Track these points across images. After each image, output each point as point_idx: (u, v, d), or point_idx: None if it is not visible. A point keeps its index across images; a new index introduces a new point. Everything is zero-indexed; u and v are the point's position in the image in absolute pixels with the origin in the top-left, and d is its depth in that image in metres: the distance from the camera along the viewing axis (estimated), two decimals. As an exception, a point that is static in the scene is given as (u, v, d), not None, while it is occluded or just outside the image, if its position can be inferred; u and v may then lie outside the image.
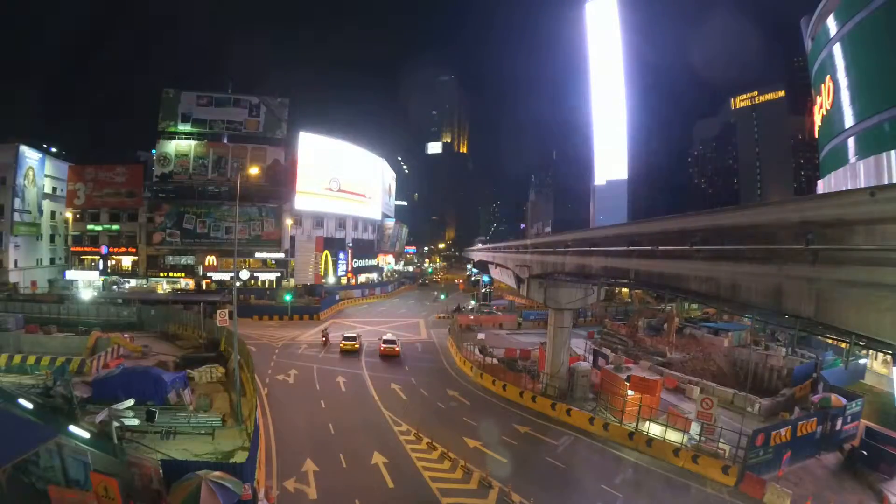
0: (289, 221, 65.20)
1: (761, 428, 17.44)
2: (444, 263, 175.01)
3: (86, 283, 57.37)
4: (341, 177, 72.60)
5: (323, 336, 38.85)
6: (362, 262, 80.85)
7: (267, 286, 63.92)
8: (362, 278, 79.90)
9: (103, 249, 62.36)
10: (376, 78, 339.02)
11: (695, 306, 45.83)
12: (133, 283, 62.53)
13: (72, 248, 63.12)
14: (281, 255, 65.82)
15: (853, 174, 31.61)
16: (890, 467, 17.05)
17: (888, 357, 24.15)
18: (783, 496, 15.21)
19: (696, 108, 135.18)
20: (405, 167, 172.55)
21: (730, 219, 11.57)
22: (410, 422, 21.58)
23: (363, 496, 15.22)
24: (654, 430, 19.66)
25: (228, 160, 64.68)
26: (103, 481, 11.36)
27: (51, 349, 27.80)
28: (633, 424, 20.03)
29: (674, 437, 19.03)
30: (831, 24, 33.83)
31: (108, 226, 63.48)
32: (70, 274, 60.72)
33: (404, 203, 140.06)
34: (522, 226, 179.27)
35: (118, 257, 63.68)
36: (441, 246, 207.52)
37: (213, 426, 18.30)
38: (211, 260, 63.52)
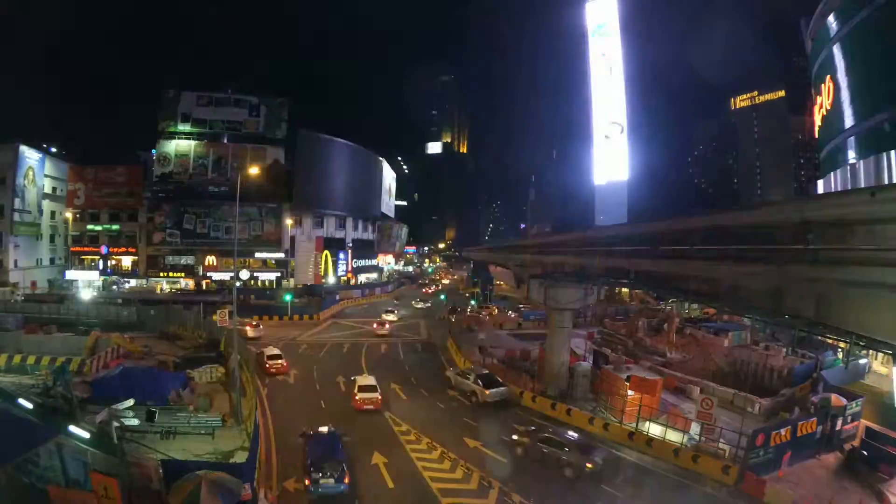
0: (289, 221, 65.21)
1: (761, 428, 17.43)
2: (444, 263, 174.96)
3: (86, 283, 57.47)
4: (341, 176, 72.58)
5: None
6: (362, 262, 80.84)
7: (267, 286, 63.93)
8: (362, 278, 79.89)
9: (103, 249, 62.42)
10: (376, 78, 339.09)
11: (695, 306, 45.79)
12: (133, 283, 62.61)
13: (72, 248, 63.18)
14: (281, 255, 65.84)
15: (853, 174, 31.62)
16: (890, 467, 17.03)
17: (889, 357, 24.15)
18: (783, 496, 15.21)
19: (696, 108, 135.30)
20: (405, 167, 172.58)
21: (730, 219, 11.59)
22: (410, 422, 21.59)
23: (363, 496, 15.21)
24: (655, 430, 19.64)
25: (228, 160, 64.70)
26: (103, 481, 11.37)
27: (51, 349, 27.81)
28: (633, 424, 20.01)
29: (674, 437, 19.01)
30: (831, 24, 33.84)
31: (108, 226, 63.54)
32: (70, 274, 60.80)
33: (404, 203, 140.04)
34: (522, 226, 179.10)
35: (118, 257, 63.74)
36: (441, 246, 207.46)
37: (213, 426, 18.30)
38: (211, 260, 63.55)
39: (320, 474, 14.72)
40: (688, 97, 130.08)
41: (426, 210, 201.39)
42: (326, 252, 70.33)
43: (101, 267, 62.27)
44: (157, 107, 64.71)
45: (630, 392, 21.37)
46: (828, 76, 34.65)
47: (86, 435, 13.01)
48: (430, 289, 72.77)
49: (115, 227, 63.62)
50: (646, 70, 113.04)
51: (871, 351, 23.11)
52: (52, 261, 63.63)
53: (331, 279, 70.29)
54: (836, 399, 20.12)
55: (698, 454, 17.76)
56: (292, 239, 66.48)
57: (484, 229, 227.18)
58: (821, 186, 38.43)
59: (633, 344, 35.62)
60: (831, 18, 33.79)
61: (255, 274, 65.10)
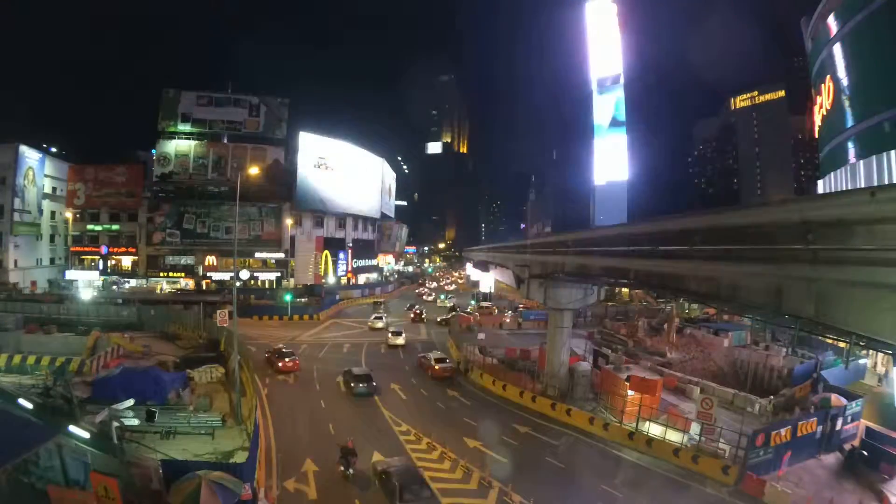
0: (289, 221, 65.20)
1: (761, 428, 17.43)
2: (445, 263, 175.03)
3: (86, 283, 57.40)
4: (341, 177, 72.59)
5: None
6: (362, 262, 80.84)
7: (267, 286, 63.93)
8: (362, 278, 79.90)
9: (103, 249, 62.43)
10: (376, 78, 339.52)
11: (695, 306, 45.83)
12: (133, 283, 62.58)
13: (72, 248, 63.18)
14: (281, 255, 65.83)
15: (853, 174, 31.64)
16: (890, 467, 17.04)
17: (889, 357, 24.16)
18: (783, 496, 15.21)
19: (696, 108, 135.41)
20: (405, 167, 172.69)
21: (730, 219, 11.57)
22: (410, 422, 21.59)
23: (363, 496, 15.20)
24: (654, 430, 19.63)
25: (228, 160, 64.74)
26: (103, 481, 11.36)
27: (51, 349, 27.77)
28: (633, 424, 20.01)
29: (674, 437, 19.00)
30: (831, 24, 33.84)
31: (108, 226, 63.54)
32: (70, 274, 60.78)
33: (404, 203, 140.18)
34: (522, 226, 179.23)
35: (118, 257, 63.73)
36: (441, 246, 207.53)
37: (213, 426, 18.29)
38: (211, 260, 63.54)
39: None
40: (688, 97, 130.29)
41: (426, 210, 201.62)
42: (326, 252, 70.32)
43: (101, 267, 62.25)
44: (157, 107, 64.73)
45: (630, 392, 21.37)
46: (828, 76, 34.66)
47: (86, 435, 13.01)
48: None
49: (115, 227, 63.61)
50: (646, 70, 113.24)
51: (870, 351, 23.14)
52: (52, 261, 63.61)
53: (331, 279, 70.28)
54: (836, 399, 20.14)
55: (698, 454, 17.76)
56: (292, 239, 66.46)
57: (484, 229, 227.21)
58: (821, 186, 38.43)
59: (633, 344, 35.61)
60: (831, 18, 33.79)
61: (255, 274, 65.09)
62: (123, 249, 63.63)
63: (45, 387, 18.57)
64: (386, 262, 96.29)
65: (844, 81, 32.40)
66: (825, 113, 36.53)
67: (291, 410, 22.74)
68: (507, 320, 49.18)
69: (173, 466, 12.84)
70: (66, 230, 64.35)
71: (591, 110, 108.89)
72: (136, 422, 15.85)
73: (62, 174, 63.88)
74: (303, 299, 55.86)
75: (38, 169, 59.60)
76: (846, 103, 32.47)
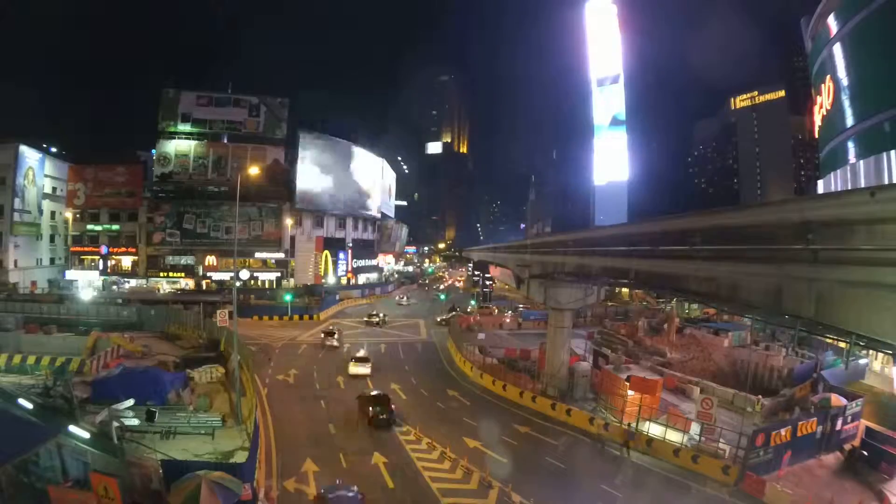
0: (289, 221, 65.15)
1: (761, 428, 17.43)
2: (445, 263, 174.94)
3: (86, 284, 57.37)
4: (341, 177, 72.55)
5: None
6: (362, 262, 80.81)
7: (267, 286, 63.87)
8: (362, 278, 79.86)
9: (103, 249, 62.38)
10: (376, 78, 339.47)
11: (695, 306, 45.85)
12: (133, 283, 62.53)
13: (72, 248, 63.13)
14: (281, 255, 65.79)
15: (853, 174, 31.65)
16: (890, 467, 17.05)
17: (889, 357, 24.15)
18: (783, 496, 15.21)
19: (696, 108, 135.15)
20: (405, 167, 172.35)
21: (730, 219, 11.58)
22: (410, 422, 21.59)
23: (364, 496, 15.17)
24: (655, 430, 19.64)
25: (228, 160, 64.69)
26: (103, 481, 11.35)
27: (51, 349, 27.79)
28: (634, 424, 20.02)
29: (674, 437, 19.01)
30: (831, 24, 33.86)
31: (108, 226, 63.50)
32: (70, 274, 60.76)
33: (404, 203, 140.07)
34: (522, 226, 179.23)
35: (118, 257, 63.70)
36: (441, 246, 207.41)
37: (213, 426, 18.29)
38: (211, 260, 63.50)
39: None
40: (688, 97, 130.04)
41: (426, 210, 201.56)
42: (326, 252, 70.27)
43: (101, 267, 62.21)
44: (157, 107, 64.69)
45: (630, 392, 21.37)
46: (828, 76, 34.66)
47: (86, 435, 13.00)
48: None
49: (115, 227, 63.58)
50: (646, 70, 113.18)
51: (871, 351, 23.13)
52: (52, 261, 63.56)
53: (331, 279, 70.22)
54: (836, 399, 20.13)
55: (698, 454, 17.77)
56: (292, 239, 66.42)
57: (484, 229, 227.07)
58: (821, 186, 38.44)
59: (633, 344, 35.58)
60: (831, 18, 33.80)
61: (255, 274, 65.05)
62: (123, 249, 63.59)
63: (45, 387, 18.58)
64: (386, 262, 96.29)
65: (844, 81, 32.41)
66: (825, 113, 36.54)
67: (291, 410, 22.74)
68: (507, 320, 49.19)
69: (173, 466, 12.83)
70: (66, 230, 64.28)
71: (590, 110, 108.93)
72: (136, 422, 15.87)
73: (62, 174, 63.82)
74: (303, 299, 55.84)
75: (38, 169, 59.56)
76: (846, 103, 32.49)
